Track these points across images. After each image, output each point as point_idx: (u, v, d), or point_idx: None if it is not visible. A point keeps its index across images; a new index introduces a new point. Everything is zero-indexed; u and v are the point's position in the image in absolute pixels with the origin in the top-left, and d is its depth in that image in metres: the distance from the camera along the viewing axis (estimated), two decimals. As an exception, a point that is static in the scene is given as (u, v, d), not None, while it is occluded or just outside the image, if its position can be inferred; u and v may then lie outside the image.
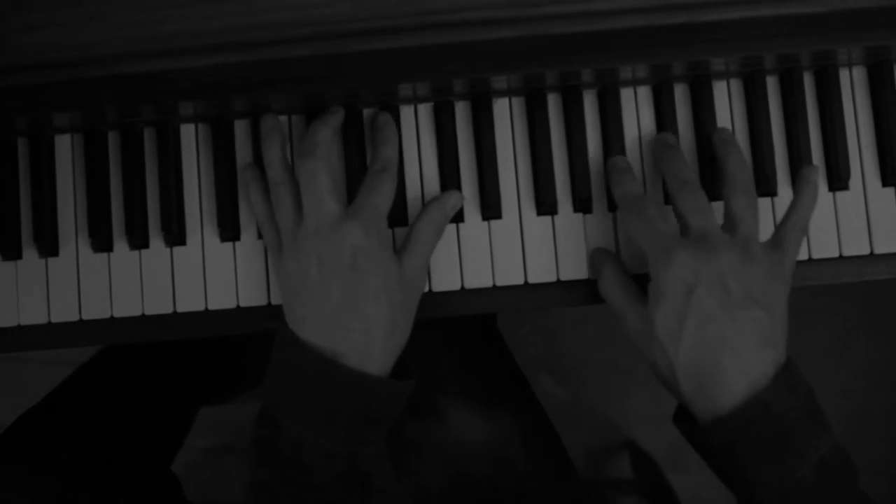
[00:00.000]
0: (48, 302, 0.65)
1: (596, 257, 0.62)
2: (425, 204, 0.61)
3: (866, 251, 0.63)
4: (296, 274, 0.57)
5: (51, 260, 0.65)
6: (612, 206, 0.63)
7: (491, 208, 0.63)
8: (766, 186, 0.63)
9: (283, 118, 0.65)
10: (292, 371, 0.56)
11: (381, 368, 0.56)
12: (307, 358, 0.55)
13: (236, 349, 1.15)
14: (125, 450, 0.81)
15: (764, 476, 0.52)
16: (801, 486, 0.52)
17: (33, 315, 0.64)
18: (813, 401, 0.54)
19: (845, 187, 0.63)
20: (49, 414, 0.79)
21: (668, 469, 1.22)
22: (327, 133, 0.60)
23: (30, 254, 0.65)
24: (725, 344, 0.52)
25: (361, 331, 0.55)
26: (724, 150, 0.60)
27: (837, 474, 0.54)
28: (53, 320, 0.64)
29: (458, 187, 0.64)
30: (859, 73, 0.64)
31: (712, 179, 0.63)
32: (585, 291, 0.63)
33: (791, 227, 0.58)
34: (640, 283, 0.59)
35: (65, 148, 0.65)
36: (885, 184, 0.63)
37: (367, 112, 0.64)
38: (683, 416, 0.56)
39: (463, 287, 0.63)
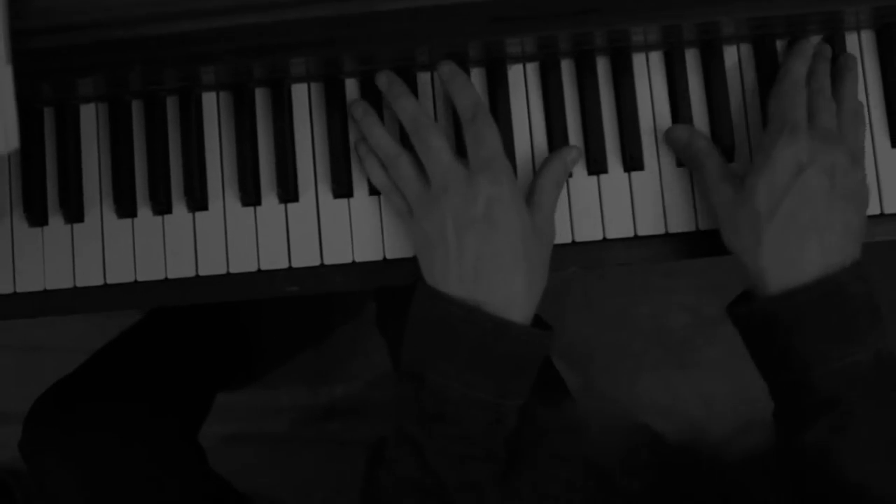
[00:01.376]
0: (73, 267, 0.66)
1: (684, 132, 0.63)
2: (547, 157, 0.63)
3: (877, 211, 0.64)
4: (432, 233, 0.58)
5: (76, 226, 0.66)
6: (626, 167, 0.65)
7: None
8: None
9: (303, 86, 0.66)
10: (435, 323, 0.57)
11: (523, 316, 0.57)
12: (450, 309, 0.56)
13: (253, 336, 1.16)
14: (154, 419, 0.83)
15: (825, 354, 0.54)
16: (858, 370, 0.54)
17: (59, 279, 0.66)
18: (876, 301, 0.56)
19: (855, 148, 0.64)
20: (80, 382, 0.81)
21: (681, 453, 1.22)
22: (412, 100, 0.62)
23: (55, 220, 0.66)
24: (817, 224, 0.55)
25: (503, 279, 0.57)
26: (845, 73, 0.63)
27: (890, 373, 0.55)
28: (79, 284, 0.66)
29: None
30: (868, 37, 0.65)
31: (721, 142, 0.64)
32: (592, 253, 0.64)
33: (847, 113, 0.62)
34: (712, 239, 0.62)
35: (90, 116, 0.67)
36: (893, 145, 0.64)
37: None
38: (741, 302, 0.58)
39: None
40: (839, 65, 0.64)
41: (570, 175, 0.65)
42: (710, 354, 1.28)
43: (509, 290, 0.57)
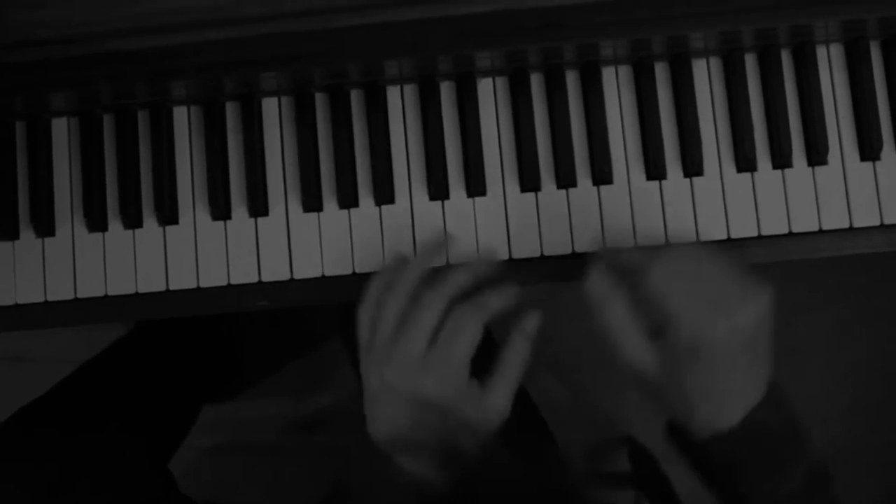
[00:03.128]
0: (44, 280, 0.66)
1: (594, 285, 0.58)
2: (511, 335, 0.60)
3: (846, 225, 0.64)
4: (372, 386, 0.58)
5: (47, 240, 0.66)
6: (595, 181, 0.65)
7: (476, 186, 0.64)
8: (745, 164, 0.64)
9: (273, 100, 0.66)
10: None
11: (436, 480, 0.58)
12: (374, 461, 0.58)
13: (239, 348, 1.16)
14: (126, 442, 0.82)
15: (756, 488, 0.55)
16: (792, 496, 0.55)
17: (30, 294, 0.66)
18: (795, 415, 0.56)
19: (824, 161, 0.64)
20: (53, 404, 0.81)
21: (666, 463, 1.22)
22: (470, 279, 0.59)
23: (27, 234, 0.67)
24: (741, 387, 0.54)
25: (421, 459, 0.57)
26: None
27: (821, 483, 0.56)
28: (49, 299, 0.66)
29: (444, 165, 0.65)
30: (837, 51, 0.65)
31: (692, 154, 0.64)
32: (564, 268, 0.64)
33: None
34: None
35: (61, 131, 0.67)
36: (863, 158, 0.64)
37: (354, 93, 0.66)
38: (676, 431, 0.58)
39: (448, 263, 0.64)
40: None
41: (539, 189, 0.65)
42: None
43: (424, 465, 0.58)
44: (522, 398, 0.83)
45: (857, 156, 0.64)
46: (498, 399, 0.58)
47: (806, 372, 1.30)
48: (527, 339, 0.60)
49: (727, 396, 0.54)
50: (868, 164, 0.64)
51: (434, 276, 0.59)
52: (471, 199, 0.65)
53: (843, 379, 1.32)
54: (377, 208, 0.65)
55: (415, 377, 0.56)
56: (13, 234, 0.66)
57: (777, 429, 0.55)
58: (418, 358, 0.56)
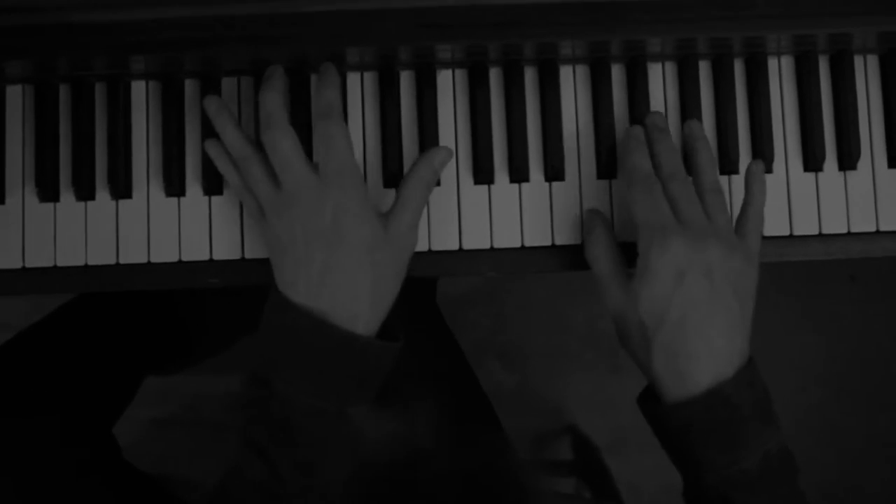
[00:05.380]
0: (-8, 248, 0.66)
1: (588, 219, 0.62)
2: (414, 161, 0.62)
3: (786, 233, 0.66)
4: (281, 239, 0.58)
5: (-4, 207, 0.66)
6: (547, 177, 0.66)
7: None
8: (728, 166, 0.66)
9: (233, 80, 0.66)
10: (283, 333, 0.57)
11: (368, 328, 0.58)
12: (297, 320, 0.56)
13: (186, 321, 1.16)
14: (69, 406, 0.82)
15: (712, 461, 0.55)
16: (745, 476, 0.55)
17: (-24, 261, 0.66)
18: (767, 398, 0.58)
19: (769, 170, 0.66)
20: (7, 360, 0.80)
21: (608, 454, 1.25)
22: (277, 98, 0.60)
23: (-25, 200, 0.66)
24: (702, 332, 0.55)
25: (347, 291, 0.57)
26: (696, 145, 0.63)
27: (780, 470, 0.57)
28: (-4, 266, 0.66)
29: (400, 155, 0.66)
30: (787, 62, 0.67)
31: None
32: (515, 260, 0.66)
33: (751, 217, 0.61)
34: (627, 251, 0.61)
35: (15, 98, 0.67)
36: (806, 169, 0.66)
37: (314, 77, 0.66)
38: (649, 396, 0.59)
39: (430, 249, 0.65)
40: (686, 134, 0.64)
41: (493, 182, 0.66)
42: (642, 359, 1.31)
43: (354, 304, 0.57)
44: (471, 385, 0.85)
45: (800, 166, 0.66)
46: (399, 224, 0.59)
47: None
48: (432, 170, 0.61)
49: (695, 358, 0.55)
50: (811, 175, 0.66)
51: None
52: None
53: (798, 382, 1.35)
54: (332, 193, 0.66)
55: (321, 195, 0.57)
56: (-39, 201, 0.66)
57: (743, 407, 0.55)
58: (314, 179, 0.57)
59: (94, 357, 0.91)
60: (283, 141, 0.58)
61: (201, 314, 1.16)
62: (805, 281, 1.35)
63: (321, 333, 0.56)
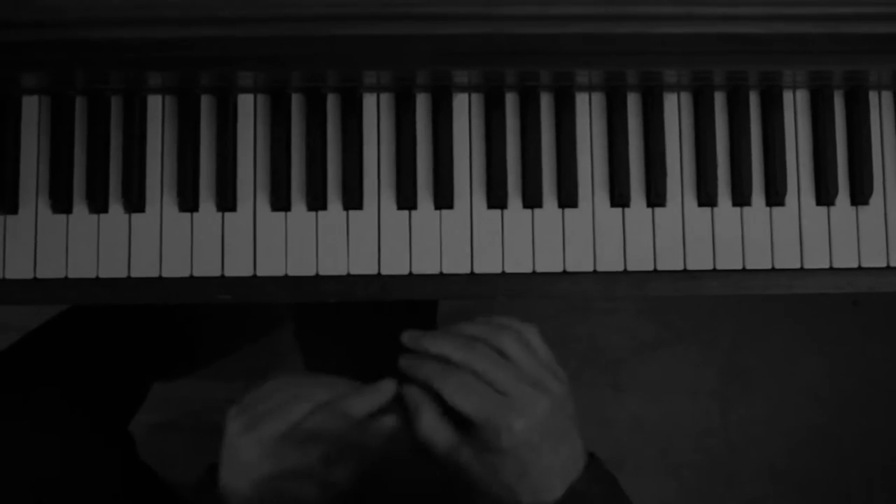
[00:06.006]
0: (3, 258, 0.66)
1: (410, 400, 0.61)
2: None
3: (797, 265, 0.66)
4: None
5: (9, 217, 0.66)
6: (560, 204, 0.66)
7: (443, 198, 0.66)
8: (707, 199, 0.66)
9: (249, 97, 0.67)
10: None
11: None
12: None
13: (190, 327, 1.16)
14: (86, 404, 0.83)
15: None
16: None
17: (-12, 270, 0.66)
18: (616, 485, 0.62)
19: (781, 203, 0.66)
20: (15, 362, 0.81)
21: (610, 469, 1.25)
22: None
23: (-12, 210, 0.66)
24: (555, 466, 0.59)
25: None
26: (445, 336, 0.61)
27: None
28: (8, 276, 0.66)
29: (414, 177, 0.66)
30: (802, 96, 0.67)
31: (653, 186, 0.66)
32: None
33: (525, 334, 0.61)
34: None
35: (31, 108, 0.67)
36: (818, 203, 0.67)
37: (331, 97, 0.67)
38: None
39: (411, 272, 0.66)
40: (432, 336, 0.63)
41: (506, 206, 0.66)
42: (643, 378, 1.31)
43: None
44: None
45: (812, 200, 0.67)
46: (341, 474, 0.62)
47: (755, 393, 1.34)
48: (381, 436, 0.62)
49: (543, 478, 0.58)
50: (823, 209, 0.67)
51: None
52: (438, 212, 0.66)
53: (792, 400, 1.36)
54: (345, 213, 0.66)
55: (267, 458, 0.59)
56: (-26, 209, 0.66)
57: (595, 499, 0.59)
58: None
59: (98, 360, 0.91)
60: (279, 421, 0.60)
61: (204, 320, 1.16)
62: (808, 305, 1.35)
63: None
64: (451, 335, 0.61)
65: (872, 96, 0.67)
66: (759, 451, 1.33)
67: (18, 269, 0.66)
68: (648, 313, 1.32)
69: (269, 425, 0.60)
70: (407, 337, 0.62)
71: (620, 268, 0.66)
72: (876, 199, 0.66)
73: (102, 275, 0.66)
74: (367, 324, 0.83)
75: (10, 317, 1.24)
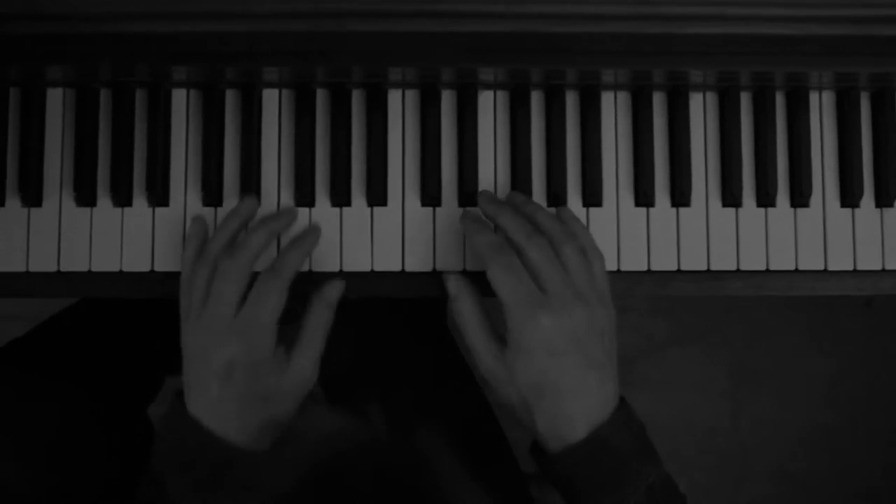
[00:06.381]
0: (28, 250, 0.66)
1: (451, 286, 0.61)
2: (311, 300, 0.62)
3: (821, 267, 0.66)
4: (187, 350, 0.60)
5: (33, 210, 0.66)
6: (584, 203, 0.66)
7: (468, 195, 0.65)
8: (731, 200, 0.66)
9: (274, 91, 0.67)
10: (178, 441, 0.59)
11: (260, 445, 0.60)
12: (190, 435, 0.59)
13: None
14: (99, 391, 0.83)
15: (600, 502, 0.57)
16: None
17: (11, 262, 0.66)
18: (644, 435, 0.60)
19: (806, 204, 0.66)
20: (33, 347, 0.81)
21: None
22: (265, 239, 0.62)
23: (13, 202, 0.66)
24: (577, 393, 0.57)
25: (238, 421, 0.59)
26: (527, 208, 0.62)
27: (665, 500, 0.58)
28: (31, 269, 0.66)
29: (439, 174, 0.66)
30: (828, 98, 0.67)
31: (678, 186, 0.66)
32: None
33: (593, 258, 0.61)
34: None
35: (56, 101, 0.67)
36: (843, 205, 0.66)
37: (356, 93, 0.66)
38: (538, 448, 0.60)
39: (434, 269, 0.65)
40: (513, 201, 0.63)
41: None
42: (654, 376, 1.31)
43: (246, 430, 0.59)
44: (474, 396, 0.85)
45: (837, 202, 0.67)
46: (302, 363, 0.60)
47: (766, 393, 1.34)
48: (328, 306, 0.62)
49: (562, 404, 0.57)
50: (847, 211, 0.66)
51: (234, 243, 0.62)
52: (462, 209, 0.66)
53: (802, 401, 1.36)
54: (369, 209, 0.66)
55: (223, 341, 0.58)
56: (-1, 202, 0.66)
57: (622, 447, 0.57)
58: (227, 323, 0.59)
59: (111, 349, 0.91)
60: (232, 275, 0.60)
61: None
62: (820, 305, 1.35)
63: (210, 448, 0.58)
64: (521, 218, 0.60)
65: (898, 99, 0.67)
66: (768, 451, 1.33)
67: (42, 261, 0.66)
68: (661, 312, 1.32)
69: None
70: (483, 195, 0.63)
71: (644, 267, 0.66)
72: (901, 201, 0.66)
73: (126, 268, 0.66)
74: (376, 312, 0.83)
75: (23, 308, 1.24)
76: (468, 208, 0.65)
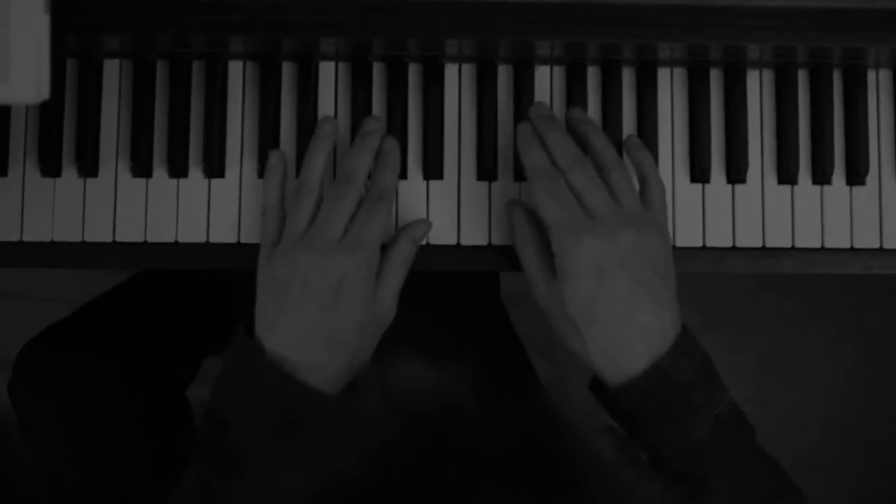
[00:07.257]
0: (83, 220, 0.66)
1: (509, 213, 0.62)
2: (397, 235, 0.63)
3: (876, 245, 0.66)
4: (278, 281, 0.59)
5: (89, 180, 0.66)
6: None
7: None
8: (787, 177, 0.66)
9: (330, 64, 0.67)
10: (249, 378, 0.58)
11: (335, 388, 0.59)
12: (265, 371, 0.57)
13: (246, 307, 1.16)
14: (153, 370, 0.84)
15: (665, 436, 0.56)
16: (699, 445, 0.56)
17: (67, 232, 0.66)
18: (708, 363, 0.58)
19: (862, 182, 0.66)
20: (80, 326, 0.81)
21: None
22: (368, 158, 0.62)
23: (69, 172, 0.66)
24: (632, 320, 0.56)
25: (327, 355, 0.58)
26: (583, 129, 0.62)
27: (733, 433, 0.57)
28: (87, 239, 0.66)
29: (495, 146, 0.66)
30: (885, 76, 0.67)
31: (735, 164, 0.65)
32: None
33: (652, 186, 0.61)
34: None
35: (113, 72, 0.67)
36: (900, 182, 0.66)
37: (412, 66, 0.67)
38: (598, 383, 0.59)
39: (490, 243, 0.65)
40: (571, 120, 0.63)
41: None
42: (684, 363, 1.31)
43: (329, 365, 0.58)
44: (520, 356, 0.85)
45: (893, 181, 0.66)
46: (384, 294, 0.60)
47: (794, 382, 1.34)
48: (412, 242, 0.62)
49: (617, 331, 0.55)
50: (903, 189, 0.66)
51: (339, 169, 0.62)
52: (517, 184, 0.66)
53: (830, 390, 1.35)
54: (424, 182, 0.66)
55: (334, 259, 0.57)
56: (56, 172, 0.66)
57: (684, 378, 0.56)
58: (337, 243, 0.58)
59: (152, 334, 0.92)
60: (347, 200, 0.60)
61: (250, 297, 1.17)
62: (849, 293, 1.35)
63: (286, 388, 0.57)
64: (569, 141, 0.60)
65: (955, 77, 0.66)
66: (797, 440, 1.33)
67: (98, 231, 0.66)
68: (690, 300, 1.31)
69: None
70: (536, 108, 0.63)
71: (699, 244, 0.66)
72: (955, 180, 0.66)
73: (181, 239, 0.66)
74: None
75: (56, 289, 1.25)
76: (522, 123, 0.63)
